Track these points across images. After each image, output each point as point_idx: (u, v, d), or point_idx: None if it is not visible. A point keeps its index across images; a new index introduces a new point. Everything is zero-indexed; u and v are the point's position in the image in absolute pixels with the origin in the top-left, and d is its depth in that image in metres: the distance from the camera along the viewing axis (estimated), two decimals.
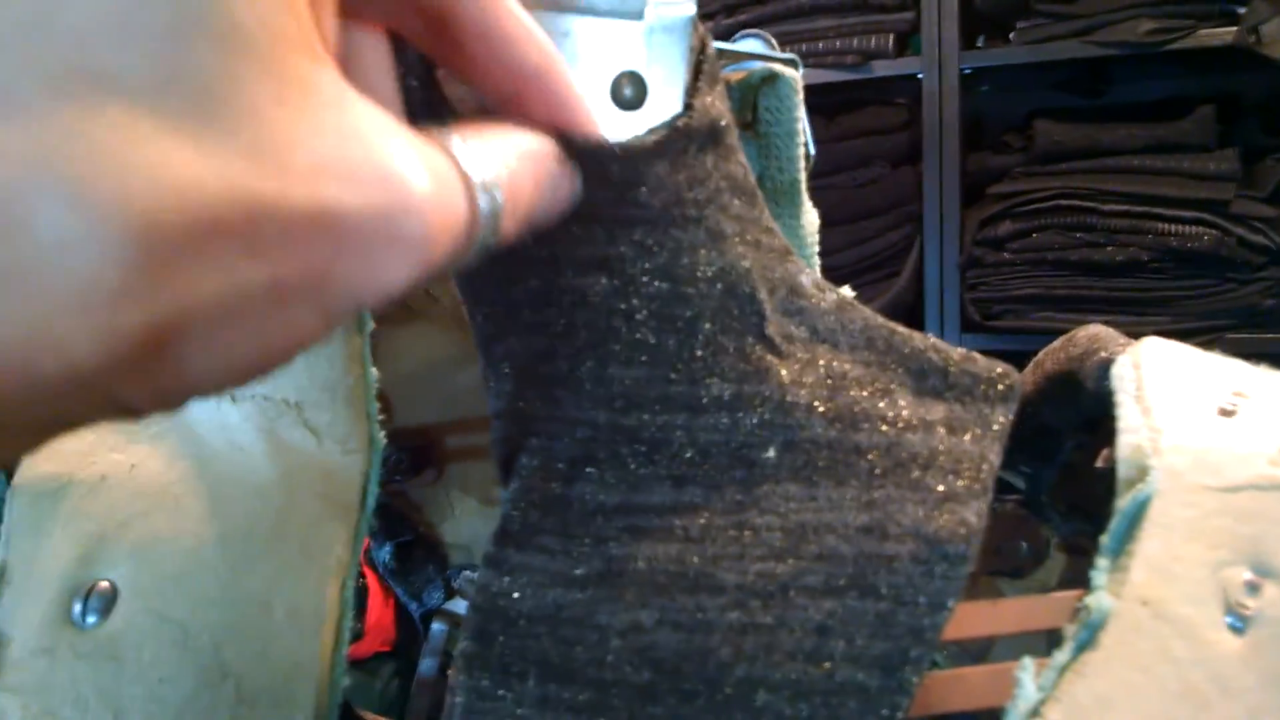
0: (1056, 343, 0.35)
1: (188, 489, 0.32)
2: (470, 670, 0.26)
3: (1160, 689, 0.23)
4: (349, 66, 0.20)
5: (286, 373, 0.31)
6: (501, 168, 0.20)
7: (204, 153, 0.13)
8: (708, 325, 0.28)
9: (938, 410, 0.29)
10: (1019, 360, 0.35)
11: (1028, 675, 0.23)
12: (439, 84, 0.26)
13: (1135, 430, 0.27)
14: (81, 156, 0.13)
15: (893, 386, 0.29)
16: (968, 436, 0.28)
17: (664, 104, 0.27)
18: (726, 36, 0.39)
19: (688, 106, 0.27)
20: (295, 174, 0.14)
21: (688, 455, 0.28)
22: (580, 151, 0.25)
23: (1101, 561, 0.25)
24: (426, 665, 0.53)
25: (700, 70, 0.28)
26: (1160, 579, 0.24)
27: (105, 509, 0.32)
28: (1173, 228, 1.41)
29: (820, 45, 1.59)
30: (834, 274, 1.63)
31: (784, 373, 0.28)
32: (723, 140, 0.28)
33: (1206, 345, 0.32)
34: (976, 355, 0.30)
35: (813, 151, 0.38)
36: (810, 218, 0.38)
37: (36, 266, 0.12)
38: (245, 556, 0.30)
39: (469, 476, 0.55)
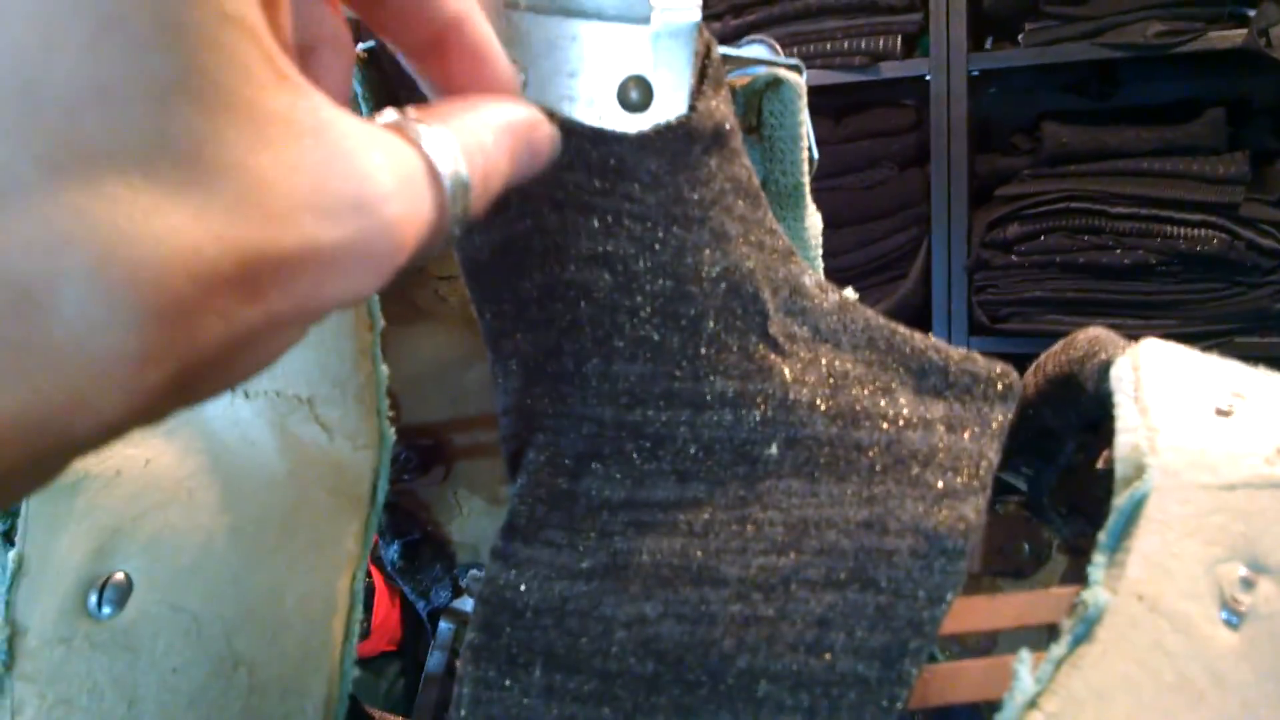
0: (1057, 345, 0.36)
1: (201, 483, 0.32)
2: (477, 661, 0.27)
3: (1155, 682, 0.23)
4: (305, 51, 0.20)
5: (298, 369, 0.32)
6: (472, 150, 0.21)
7: (197, 214, 0.14)
8: (711, 323, 0.28)
9: (937, 408, 0.29)
10: (1027, 363, 0.36)
11: (1025, 668, 0.23)
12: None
13: (1133, 430, 0.28)
14: (91, 236, 0.13)
15: (893, 385, 0.29)
16: (967, 434, 0.29)
17: (670, 107, 0.28)
18: (734, 38, 0.39)
19: (692, 109, 0.28)
20: (279, 219, 0.15)
21: (691, 451, 0.28)
22: (572, 135, 0.26)
23: (1098, 557, 0.25)
24: (434, 661, 0.53)
25: (705, 74, 0.28)
26: (1156, 575, 0.25)
27: (120, 503, 0.33)
28: (1181, 231, 1.41)
29: (828, 46, 1.59)
30: (841, 275, 1.63)
31: (786, 371, 0.29)
32: (727, 143, 0.29)
33: (1215, 349, 0.33)
34: (976, 355, 0.30)
35: (816, 155, 0.38)
36: (814, 221, 0.39)
37: (64, 343, 0.13)
38: (257, 549, 0.30)
39: (476, 475, 0.55)
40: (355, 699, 0.37)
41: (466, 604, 0.56)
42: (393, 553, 0.56)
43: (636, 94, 0.27)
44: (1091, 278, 1.49)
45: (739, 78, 0.36)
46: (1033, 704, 0.23)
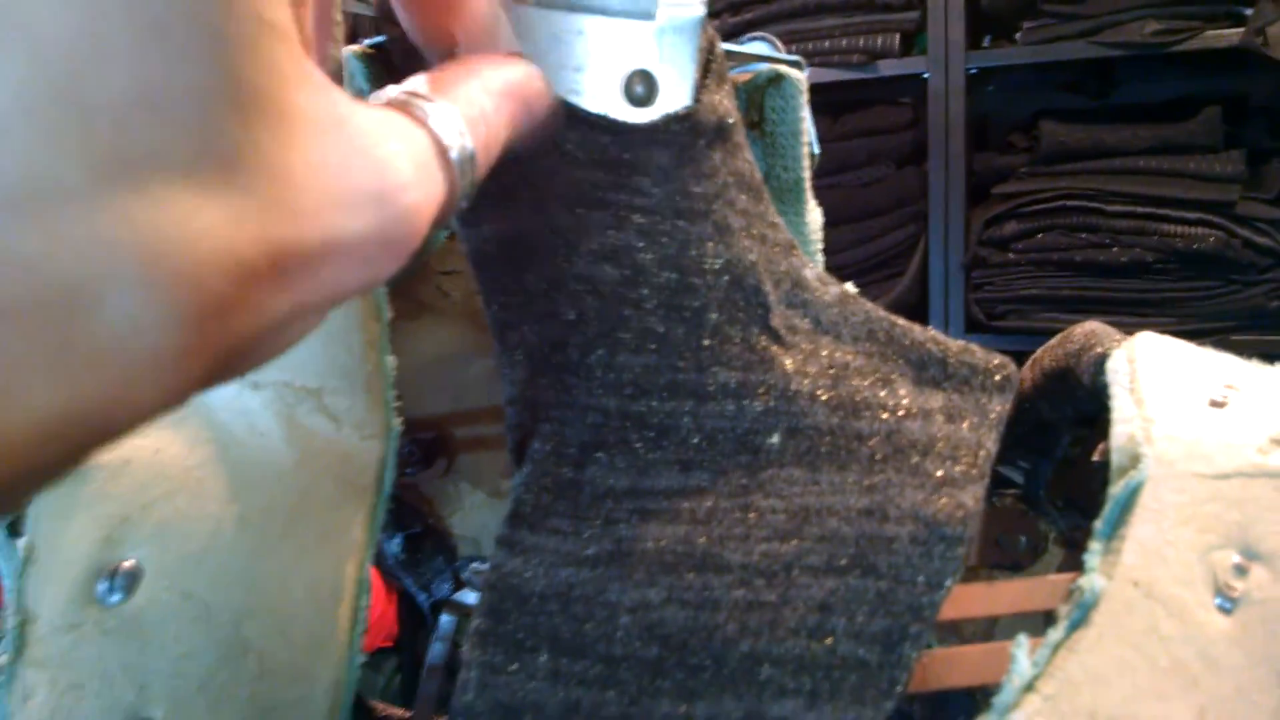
0: (1053, 340, 0.36)
1: (209, 472, 0.33)
2: (484, 646, 0.27)
3: (1150, 665, 0.24)
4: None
5: (307, 360, 0.32)
6: (475, 120, 0.21)
7: (233, 215, 0.15)
8: (714, 315, 0.29)
9: (936, 399, 0.30)
10: (1023, 361, 0.36)
11: (1022, 652, 0.24)
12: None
13: (1129, 420, 0.28)
14: (136, 240, 0.13)
15: (893, 376, 0.30)
16: (965, 424, 0.29)
17: (674, 101, 0.28)
18: (732, 35, 0.40)
19: (696, 102, 0.28)
20: (306, 215, 0.16)
21: (695, 441, 0.29)
22: (575, 125, 0.26)
23: (1094, 545, 0.26)
24: (435, 652, 0.53)
25: (709, 69, 0.29)
26: (1151, 561, 0.25)
27: (129, 491, 0.33)
28: (1178, 229, 1.42)
29: (826, 44, 1.60)
30: (838, 273, 1.63)
31: (788, 362, 0.29)
32: (730, 137, 0.29)
33: (1212, 347, 0.33)
34: (975, 347, 0.31)
35: (817, 151, 0.39)
36: (814, 216, 0.39)
37: (108, 343, 0.13)
38: (265, 537, 0.31)
39: (478, 469, 0.56)
40: (357, 694, 0.38)
41: (468, 596, 0.56)
42: (395, 546, 0.56)
43: (641, 88, 0.28)
44: (1088, 275, 1.49)
45: (741, 74, 0.36)
46: (1030, 687, 0.23)
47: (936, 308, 1.62)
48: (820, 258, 0.38)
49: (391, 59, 0.31)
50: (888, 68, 1.58)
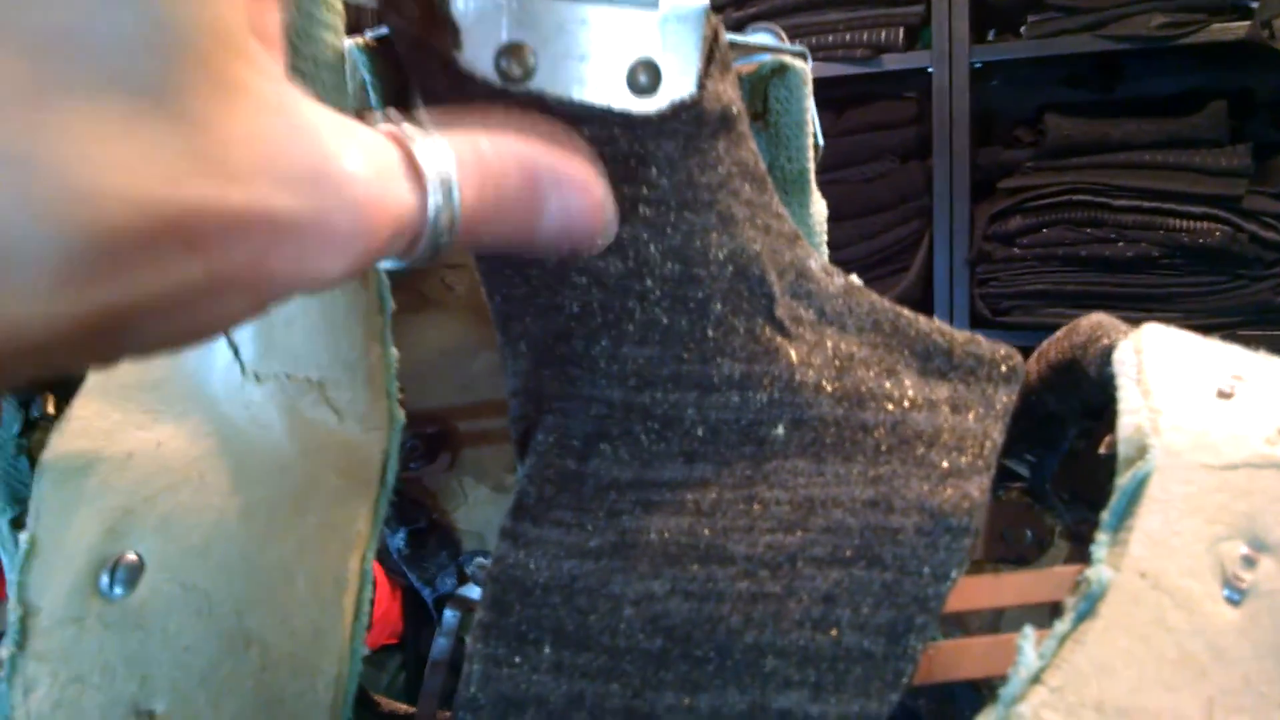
0: (1060, 332, 0.36)
1: (212, 465, 0.32)
2: (487, 639, 0.27)
3: (1158, 657, 0.23)
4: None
5: (309, 353, 0.32)
6: (466, 158, 0.21)
7: (150, 157, 0.14)
8: (719, 306, 0.29)
9: (942, 390, 0.29)
10: (1027, 356, 0.36)
11: (1029, 643, 0.24)
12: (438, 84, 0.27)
13: (1136, 411, 0.28)
14: (37, 164, 0.14)
15: (898, 367, 0.30)
16: (971, 415, 0.29)
17: (678, 91, 0.28)
18: (737, 28, 0.39)
19: (700, 91, 0.28)
20: (232, 177, 0.16)
21: (699, 432, 0.28)
22: (586, 120, 0.26)
23: (1101, 536, 0.26)
24: (439, 646, 0.53)
25: (713, 58, 0.29)
26: (1159, 552, 0.25)
27: (132, 484, 0.33)
28: (1184, 223, 1.41)
29: (830, 38, 1.59)
30: (842, 269, 1.63)
31: (793, 353, 0.29)
32: (734, 127, 0.29)
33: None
34: (980, 338, 0.31)
35: (821, 142, 0.39)
36: (819, 207, 0.39)
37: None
38: (268, 529, 0.31)
39: (482, 463, 0.56)
40: (361, 687, 0.38)
41: (472, 591, 0.56)
42: (399, 540, 0.56)
43: (645, 78, 0.27)
44: (1094, 270, 1.49)
45: (744, 65, 0.36)
46: (1036, 679, 0.23)
47: (941, 303, 1.61)
48: (824, 249, 0.38)
49: (395, 51, 0.31)
50: (892, 62, 1.58)
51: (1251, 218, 1.39)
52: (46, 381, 0.41)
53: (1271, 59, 1.36)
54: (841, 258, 1.64)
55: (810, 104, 0.36)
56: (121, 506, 0.33)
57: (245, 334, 0.34)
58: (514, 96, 0.27)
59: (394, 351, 0.32)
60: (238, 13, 0.16)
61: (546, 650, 0.27)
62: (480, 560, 0.57)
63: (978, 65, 1.55)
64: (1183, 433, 0.27)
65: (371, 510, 0.31)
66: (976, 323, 1.59)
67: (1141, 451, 0.27)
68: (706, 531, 0.27)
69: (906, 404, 0.29)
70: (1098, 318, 0.35)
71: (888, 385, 0.29)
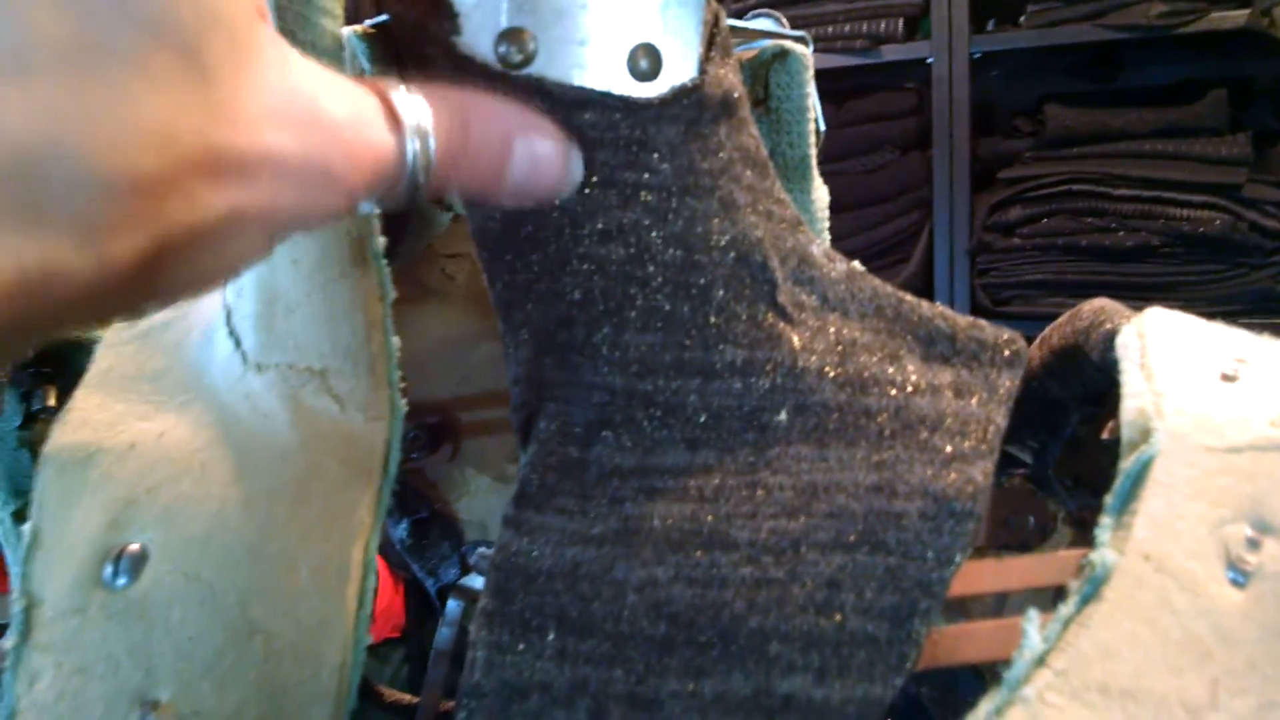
0: (1062, 317, 0.36)
1: (214, 455, 0.32)
2: (490, 626, 0.27)
3: (1162, 639, 0.23)
4: None
5: (310, 342, 0.32)
6: (441, 112, 0.23)
7: (181, 108, 0.17)
8: (721, 292, 0.28)
9: (945, 375, 0.29)
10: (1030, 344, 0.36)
11: (1033, 626, 0.24)
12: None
13: (1139, 395, 0.28)
14: (88, 116, 0.16)
15: (901, 352, 0.30)
16: (974, 400, 0.29)
17: (679, 75, 0.28)
18: (738, 18, 0.39)
19: (701, 75, 0.28)
20: (246, 125, 0.18)
21: (701, 419, 0.28)
22: (587, 105, 0.26)
23: (1105, 519, 0.26)
24: (443, 637, 0.53)
25: (713, 42, 0.29)
26: (1163, 535, 0.25)
27: (134, 475, 0.33)
28: (1184, 212, 1.41)
29: (829, 29, 1.59)
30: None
31: (795, 339, 0.29)
32: (735, 112, 0.29)
33: None
34: (983, 323, 0.31)
35: (823, 128, 0.39)
36: (820, 193, 0.39)
37: (50, 206, 0.15)
38: (270, 519, 0.31)
39: (484, 454, 0.55)
40: (365, 678, 0.38)
41: (475, 581, 0.56)
42: (401, 531, 0.56)
43: (646, 62, 0.27)
44: (1094, 260, 1.49)
45: (745, 51, 0.36)
46: (1041, 661, 0.23)
47: (942, 294, 1.61)
48: (826, 235, 0.37)
49: (393, 38, 0.31)
50: (891, 53, 1.58)
51: (1251, 206, 1.39)
52: (48, 374, 0.41)
53: (1271, 47, 1.36)
54: (842, 249, 1.62)
55: (811, 89, 0.35)
56: (124, 497, 0.33)
57: (247, 324, 0.34)
58: (514, 81, 0.27)
59: (395, 340, 0.32)
60: None
61: (550, 637, 0.27)
62: (483, 550, 0.57)
63: (977, 55, 1.55)
64: (1186, 416, 0.27)
65: (374, 499, 0.31)
66: (977, 313, 1.58)
67: (1145, 435, 0.27)
68: (709, 518, 0.27)
69: (909, 389, 0.29)
70: (1100, 302, 0.35)
71: (890, 370, 0.29)
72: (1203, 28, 1.39)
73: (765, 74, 0.35)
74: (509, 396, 0.31)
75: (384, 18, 0.31)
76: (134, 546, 0.31)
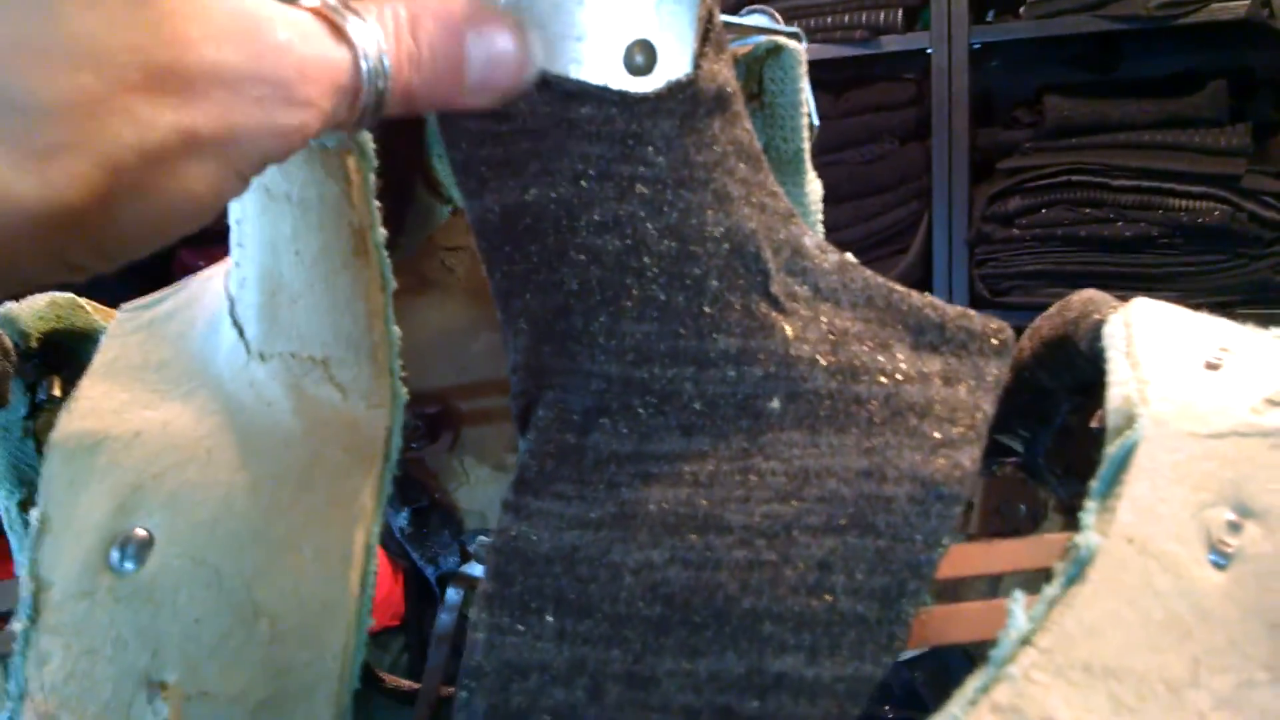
0: (1052, 308, 0.37)
1: (218, 442, 0.33)
2: (490, 608, 0.28)
3: (1145, 619, 0.24)
4: None
5: (313, 331, 0.33)
6: (391, 23, 0.23)
7: (112, 28, 0.17)
8: (715, 283, 0.29)
9: (934, 363, 0.30)
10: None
11: (1019, 607, 0.24)
12: None
13: (1124, 382, 0.29)
14: (15, 35, 0.16)
15: (891, 341, 0.30)
16: (963, 388, 0.29)
17: (674, 70, 0.28)
18: (734, 10, 0.40)
19: (696, 70, 0.28)
20: (186, 42, 0.18)
21: (696, 406, 0.29)
22: (584, 99, 0.27)
23: (1090, 503, 0.26)
24: (443, 621, 0.54)
25: (707, 38, 0.29)
26: (1146, 519, 0.26)
27: (140, 462, 0.34)
28: (1183, 203, 1.41)
29: (828, 20, 1.59)
30: (841, 249, 1.63)
31: (788, 328, 0.30)
32: (729, 106, 0.30)
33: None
34: (972, 313, 0.31)
35: (816, 122, 0.39)
36: (814, 186, 0.39)
37: (4, 134, 0.16)
38: (275, 504, 0.31)
39: (483, 443, 0.56)
40: (366, 664, 0.38)
41: (475, 569, 0.57)
42: (402, 519, 0.57)
43: (641, 57, 0.28)
44: (1093, 250, 1.49)
45: (740, 47, 0.36)
46: (1026, 640, 0.24)
47: (940, 284, 1.61)
48: (820, 228, 0.38)
49: None
50: (890, 43, 1.58)
51: (1250, 197, 1.39)
52: (53, 364, 0.42)
53: (1271, 38, 1.36)
54: (841, 239, 1.63)
55: (805, 84, 0.36)
56: (130, 483, 0.33)
57: (250, 314, 0.34)
58: None
59: (396, 329, 0.32)
60: None
61: (549, 618, 0.27)
62: (483, 539, 0.57)
63: (977, 46, 1.55)
64: (1170, 403, 0.28)
65: (375, 485, 0.32)
66: (975, 303, 1.59)
67: (1130, 421, 0.27)
68: (704, 502, 0.28)
69: (899, 377, 0.29)
70: (1089, 294, 0.36)
71: (881, 359, 0.30)
72: (1203, 19, 1.39)
73: (759, 69, 0.36)
74: (508, 386, 0.31)
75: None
76: (140, 532, 0.32)
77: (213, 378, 0.35)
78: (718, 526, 0.27)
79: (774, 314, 0.30)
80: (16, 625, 0.33)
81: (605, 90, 0.28)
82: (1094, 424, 0.39)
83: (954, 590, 0.41)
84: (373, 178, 0.31)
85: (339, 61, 0.22)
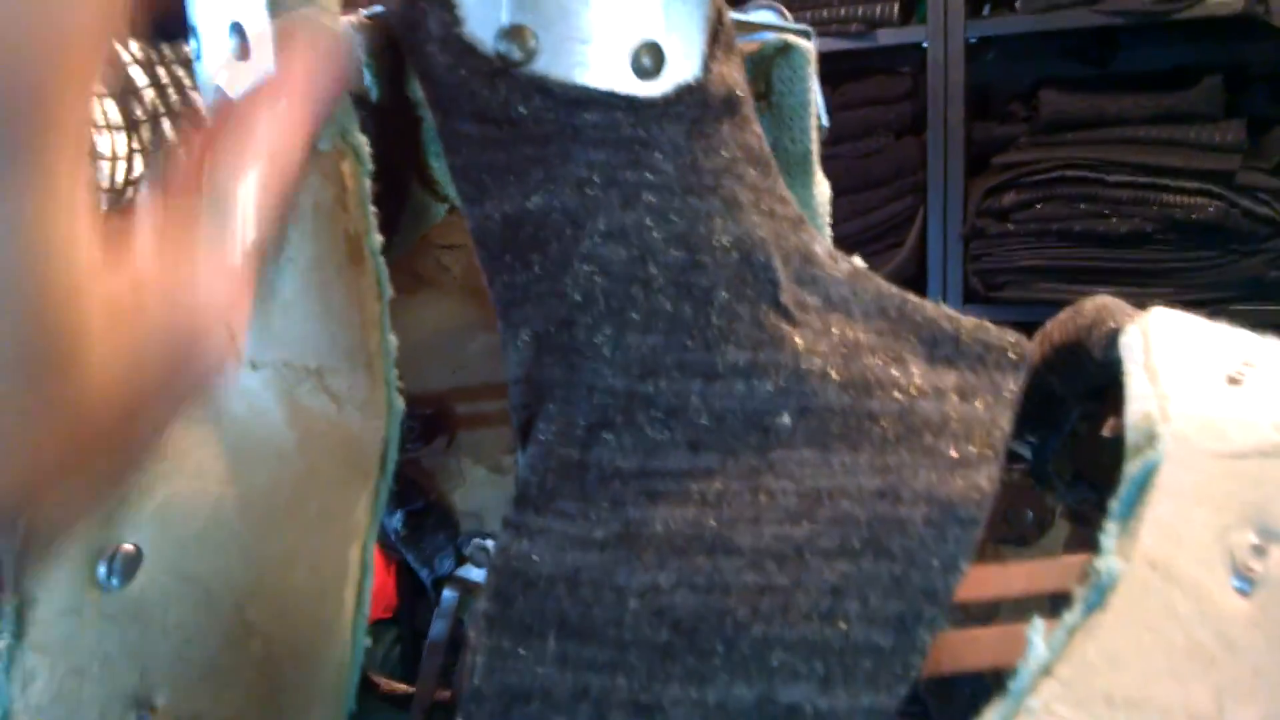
0: (1063, 314, 0.36)
1: (209, 453, 0.32)
2: (490, 630, 0.27)
3: (1168, 647, 0.23)
4: None
5: (307, 339, 0.32)
6: None
7: None
8: (724, 293, 0.28)
9: (949, 377, 0.29)
10: (1022, 331, 0.36)
11: (1038, 635, 0.23)
12: None
13: (1144, 398, 0.28)
14: None
15: (905, 354, 0.29)
16: (979, 403, 0.29)
17: (682, 73, 0.27)
18: (732, 5, 0.39)
19: (705, 72, 0.27)
20: None
21: (703, 421, 0.28)
22: (590, 104, 0.26)
23: (1110, 526, 0.26)
24: (437, 629, 0.53)
25: (717, 38, 0.28)
26: (1168, 542, 0.25)
27: None
28: (1178, 199, 1.41)
29: (824, 13, 1.58)
30: (837, 244, 1.62)
31: (798, 340, 0.29)
32: (738, 110, 0.29)
33: (1210, 317, 0.33)
34: (988, 324, 0.30)
35: (826, 123, 0.38)
36: (822, 189, 0.39)
37: None
38: (267, 519, 0.30)
39: (480, 444, 0.55)
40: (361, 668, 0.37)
41: (470, 572, 0.56)
42: (396, 522, 0.56)
43: (649, 60, 0.27)
44: (1088, 246, 1.49)
45: (747, 44, 0.35)
46: (1047, 670, 0.23)
47: (935, 279, 1.61)
48: (828, 231, 0.37)
49: (390, 29, 0.30)
50: (886, 37, 1.57)
51: (1245, 193, 1.39)
52: None
53: (1266, 34, 1.36)
54: (836, 233, 1.62)
55: (815, 84, 0.35)
56: (117, 495, 0.32)
57: None
58: (515, 79, 0.26)
59: (393, 339, 0.31)
60: None
61: (551, 642, 0.26)
62: (478, 541, 0.57)
63: (973, 39, 1.54)
64: (1192, 420, 0.27)
65: (371, 499, 0.31)
66: (970, 298, 1.59)
67: (1150, 439, 0.27)
68: (713, 522, 0.27)
69: (914, 391, 0.29)
70: (1102, 300, 0.35)
71: (894, 373, 0.29)
72: (1199, 14, 1.38)
73: (768, 68, 0.35)
74: (505, 388, 0.30)
75: (379, 8, 0.31)
76: (128, 546, 0.31)
77: None
78: (726, 548, 0.27)
79: (784, 325, 0.29)
80: (0, 642, 0.32)
81: (611, 95, 0.27)
82: (1106, 433, 0.38)
83: (959, 603, 0.40)
84: (368, 182, 0.30)
85: None
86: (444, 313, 0.51)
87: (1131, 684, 0.23)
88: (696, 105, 0.27)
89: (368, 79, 0.35)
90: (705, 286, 0.28)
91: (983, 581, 0.28)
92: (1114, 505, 0.26)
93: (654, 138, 0.27)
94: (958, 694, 0.40)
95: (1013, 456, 0.43)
